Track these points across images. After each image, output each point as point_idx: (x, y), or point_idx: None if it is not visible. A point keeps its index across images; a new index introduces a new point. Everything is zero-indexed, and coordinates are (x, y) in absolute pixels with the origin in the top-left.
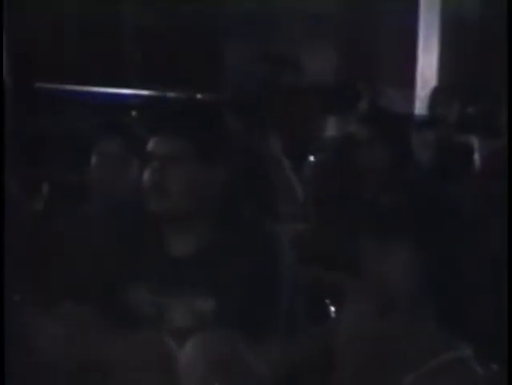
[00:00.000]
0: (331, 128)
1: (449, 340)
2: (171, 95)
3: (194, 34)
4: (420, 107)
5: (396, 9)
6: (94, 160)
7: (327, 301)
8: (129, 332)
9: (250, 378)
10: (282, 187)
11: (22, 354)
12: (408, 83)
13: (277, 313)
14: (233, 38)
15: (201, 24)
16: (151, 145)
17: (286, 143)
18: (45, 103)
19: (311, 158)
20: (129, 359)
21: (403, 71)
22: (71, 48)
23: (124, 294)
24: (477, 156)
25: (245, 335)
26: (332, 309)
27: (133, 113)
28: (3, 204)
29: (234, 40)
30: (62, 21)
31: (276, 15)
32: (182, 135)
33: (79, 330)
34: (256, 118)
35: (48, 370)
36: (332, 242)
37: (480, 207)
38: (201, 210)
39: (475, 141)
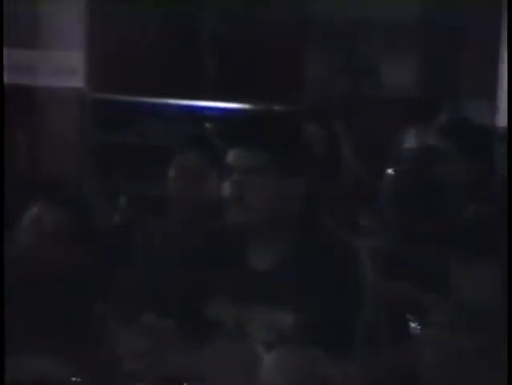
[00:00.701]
0: (411, 140)
1: None
2: (250, 106)
3: (273, 45)
4: (502, 118)
5: (477, 20)
6: (172, 172)
7: (409, 316)
8: (209, 345)
9: None
10: (362, 200)
11: (105, 366)
12: (489, 94)
13: (358, 327)
14: (313, 49)
15: (280, 35)
16: (231, 158)
17: (365, 154)
18: (123, 115)
19: (390, 170)
20: (208, 373)
21: (484, 83)
22: (148, 60)
23: (204, 307)
24: None
25: (325, 350)
26: (414, 324)
27: (211, 125)
28: (3, 204)
29: (315, 51)
30: (140, 32)
31: (357, 27)
32: (262, 147)
33: (159, 342)
34: (336, 130)
35: (131, 382)
36: (413, 256)
37: None
38: (281, 223)
39: None
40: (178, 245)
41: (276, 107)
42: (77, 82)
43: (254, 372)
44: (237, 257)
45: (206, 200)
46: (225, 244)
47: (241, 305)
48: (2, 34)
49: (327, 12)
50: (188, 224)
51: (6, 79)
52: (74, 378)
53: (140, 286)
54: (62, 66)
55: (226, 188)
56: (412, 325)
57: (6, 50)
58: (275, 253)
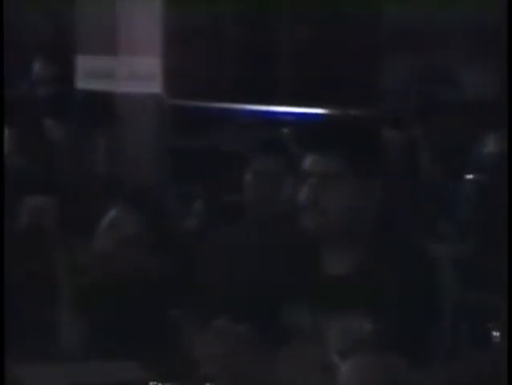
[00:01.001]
0: (491, 145)
1: None
2: (326, 111)
3: (349, 50)
4: None
5: None
6: (248, 177)
7: (490, 324)
8: (285, 351)
9: None
10: (441, 206)
11: (182, 370)
12: None
13: (437, 335)
14: (391, 54)
15: (356, 39)
16: (307, 163)
17: (444, 160)
18: (200, 121)
19: (469, 176)
20: (283, 379)
21: None
22: (224, 66)
23: (280, 312)
24: None
25: (404, 358)
26: (495, 333)
27: (288, 130)
28: (3, 204)
29: (392, 56)
30: (216, 39)
31: (434, 31)
32: (339, 152)
33: (235, 347)
34: (414, 135)
35: None
36: (494, 263)
37: None
38: (358, 229)
39: None
40: (254, 250)
41: (353, 112)
42: (155, 88)
43: (330, 379)
44: (313, 262)
45: (282, 205)
46: (301, 249)
47: (316, 311)
48: (3, 34)
49: (404, 15)
50: (263, 229)
51: (84, 85)
52: (152, 383)
53: (215, 290)
54: (140, 72)
55: (302, 194)
56: (494, 333)
57: (84, 57)
58: (351, 259)
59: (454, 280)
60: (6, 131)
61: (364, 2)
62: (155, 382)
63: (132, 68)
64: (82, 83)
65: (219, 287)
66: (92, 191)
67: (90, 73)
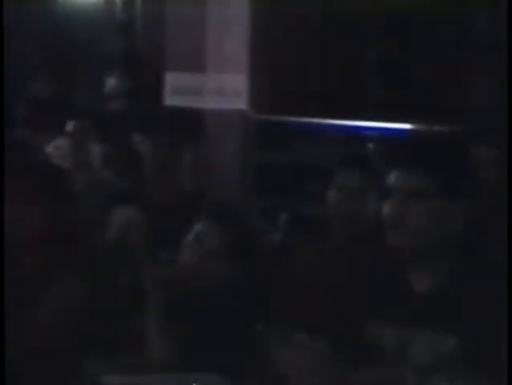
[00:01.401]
0: None
1: None
2: (412, 127)
3: (436, 65)
4: None
5: None
6: (332, 192)
7: None
8: (370, 367)
9: None
10: None
11: (262, 382)
12: None
13: None
14: (474, 68)
15: (444, 53)
16: (392, 179)
17: None
18: (285, 136)
19: None
20: None
21: None
22: (310, 81)
23: (365, 328)
24: None
25: (488, 376)
26: None
27: (372, 146)
28: (3, 204)
29: (476, 71)
30: (301, 55)
31: None
32: (425, 168)
33: (319, 362)
34: (503, 152)
35: None
36: None
37: None
38: (442, 246)
39: None
40: (338, 265)
41: (439, 127)
42: (241, 103)
43: None
44: (397, 279)
45: (366, 221)
46: (385, 265)
47: (401, 328)
48: (3, 36)
49: (487, 29)
50: (348, 244)
51: (172, 101)
52: None
53: (299, 305)
54: (227, 88)
55: (386, 210)
56: None
57: (172, 73)
58: (436, 276)
59: None
60: (97, 147)
61: (453, 16)
62: None
63: (219, 84)
64: (170, 99)
65: (303, 302)
66: (178, 205)
67: (178, 89)
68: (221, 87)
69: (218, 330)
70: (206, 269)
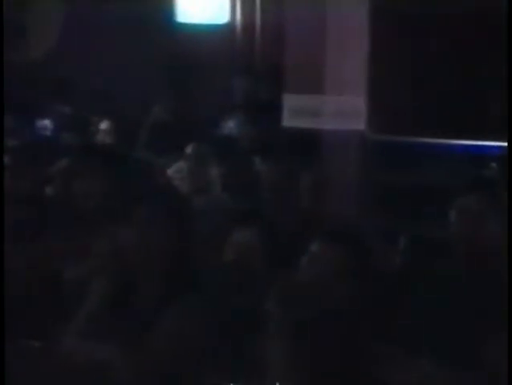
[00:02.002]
0: None
1: None
2: None
3: None
4: None
5: None
6: (454, 214)
7: None
8: None
9: None
10: None
11: None
12: None
13: None
14: None
15: None
16: None
17: None
18: (404, 156)
19: None
20: None
21: None
22: (428, 101)
23: (484, 350)
24: None
25: None
26: None
27: (495, 166)
28: (3, 204)
29: None
30: (418, 76)
31: None
32: None
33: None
34: None
35: None
36: None
37: None
38: None
39: None
40: (460, 287)
41: None
42: (359, 124)
43: None
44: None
45: (488, 243)
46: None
47: None
48: (3, 36)
49: None
50: (468, 265)
51: (290, 123)
52: None
53: (419, 328)
54: (345, 109)
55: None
56: None
57: (291, 95)
58: None
59: None
60: (215, 170)
61: None
62: None
63: (338, 106)
64: (288, 121)
65: (424, 324)
66: (296, 226)
67: (297, 111)
68: (340, 109)
69: (336, 349)
70: (322, 290)
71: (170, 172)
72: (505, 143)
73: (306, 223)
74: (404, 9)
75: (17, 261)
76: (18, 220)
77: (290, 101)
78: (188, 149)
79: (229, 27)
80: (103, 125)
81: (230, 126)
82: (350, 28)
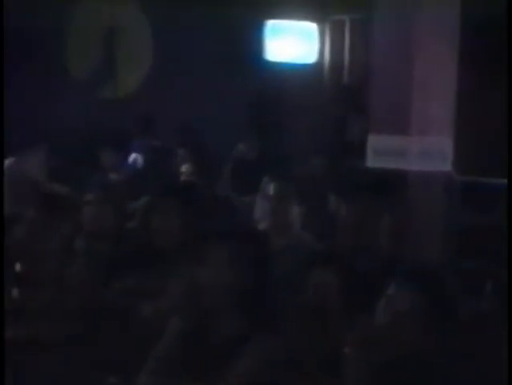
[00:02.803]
0: None
1: None
2: None
3: None
4: None
5: None
6: None
7: None
8: None
9: None
10: None
11: None
12: None
13: None
14: None
15: None
16: None
17: None
18: (488, 197)
19: None
20: None
21: None
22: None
23: None
24: None
25: None
26: None
27: None
28: (3, 205)
29: None
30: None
31: None
32: None
33: None
34: None
35: None
36: None
37: None
38: None
39: None
40: None
41: None
42: (445, 166)
43: None
44: None
45: None
46: None
47: None
48: (3, 36)
49: None
50: None
51: (374, 163)
52: None
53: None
54: (431, 150)
55: None
56: None
57: (374, 136)
58: None
59: None
60: (295, 208)
61: None
62: None
63: (423, 146)
64: (372, 161)
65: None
66: (374, 266)
67: (381, 151)
68: (426, 149)
69: None
70: (398, 331)
71: (250, 209)
72: None
73: (386, 264)
74: (492, 48)
75: (95, 295)
76: (99, 255)
77: (374, 141)
78: (271, 187)
79: (316, 67)
80: (187, 162)
81: (314, 165)
82: (436, 68)
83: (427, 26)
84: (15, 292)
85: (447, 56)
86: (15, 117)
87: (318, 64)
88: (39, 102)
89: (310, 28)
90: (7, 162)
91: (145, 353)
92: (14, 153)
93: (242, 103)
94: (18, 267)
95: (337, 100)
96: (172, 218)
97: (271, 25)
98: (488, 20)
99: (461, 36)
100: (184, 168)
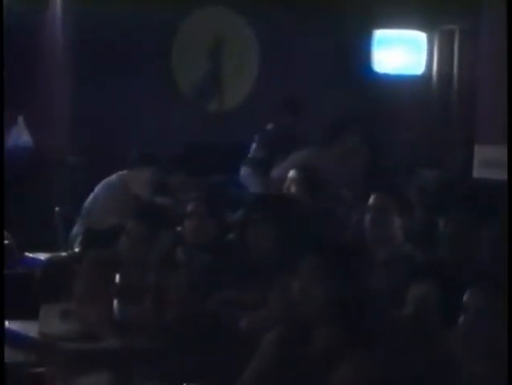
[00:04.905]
0: None
1: None
2: None
3: None
4: None
5: None
6: None
7: None
8: None
9: None
10: None
11: None
12: None
13: None
14: None
15: None
16: None
17: None
18: None
19: None
20: None
21: None
22: None
23: None
24: None
25: None
26: None
27: None
28: (3, 203)
29: None
30: None
31: None
32: None
33: None
34: None
35: None
36: None
37: None
38: None
39: None
40: None
41: None
42: None
43: None
44: None
45: None
46: None
47: None
48: (2, 37)
49: None
50: None
51: (480, 174)
52: None
53: None
54: None
55: None
56: None
57: (481, 146)
58: None
59: None
60: (397, 220)
61: None
62: None
63: None
64: (479, 172)
65: None
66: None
67: (488, 162)
68: None
69: None
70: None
71: (353, 222)
72: None
73: (483, 276)
74: None
75: (193, 308)
76: (199, 267)
77: (481, 152)
78: (371, 199)
79: (424, 79)
80: (292, 174)
81: (421, 176)
82: None
83: None
84: (115, 303)
85: None
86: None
87: (427, 75)
88: (148, 116)
89: (419, 38)
90: (114, 176)
91: (243, 365)
92: (124, 167)
93: (350, 113)
94: (117, 279)
95: (445, 112)
96: (266, 231)
97: (379, 34)
98: None
99: None
100: (289, 180)
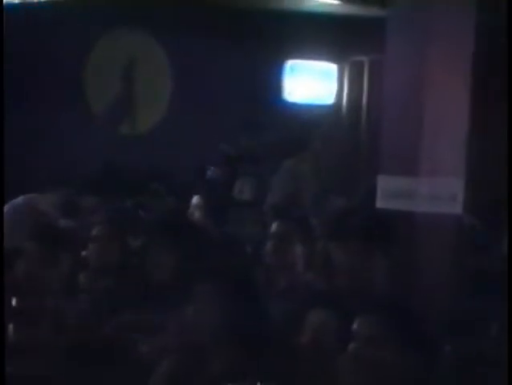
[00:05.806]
0: None
1: None
2: None
3: None
4: None
5: None
6: None
7: None
8: None
9: None
10: None
11: None
12: None
13: None
14: None
15: None
16: None
17: None
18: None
19: None
20: None
21: None
22: None
23: None
24: None
25: None
26: None
27: None
28: (3, 203)
29: None
30: None
31: None
32: None
33: None
34: None
35: None
36: None
37: None
38: None
39: None
40: None
41: None
42: (456, 208)
43: None
44: None
45: None
46: None
47: None
48: (2, 37)
49: None
50: None
51: (383, 204)
52: None
53: None
54: (441, 192)
55: None
56: None
57: (384, 177)
58: None
59: None
60: (298, 248)
61: None
62: None
63: (433, 188)
64: (382, 202)
65: None
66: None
67: (391, 192)
68: (435, 191)
69: None
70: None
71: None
72: None
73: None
74: (503, 87)
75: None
76: (101, 291)
77: (384, 182)
78: (273, 227)
79: (334, 108)
80: (195, 200)
81: (326, 203)
82: (447, 107)
83: (438, 66)
84: (10, 328)
85: (459, 96)
86: (31, 153)
87: (337, 105)
88: (58, 138)
89: (330, 68)
90: (21, 198)
91: None
92: (30, 190)
93: (259, 140)
94: (14, 302)
95: (354, 141)
96: (164, 256)
97: (291, 64)
98: (500, 59)
99: (474, 75)
100: (192, 206)
